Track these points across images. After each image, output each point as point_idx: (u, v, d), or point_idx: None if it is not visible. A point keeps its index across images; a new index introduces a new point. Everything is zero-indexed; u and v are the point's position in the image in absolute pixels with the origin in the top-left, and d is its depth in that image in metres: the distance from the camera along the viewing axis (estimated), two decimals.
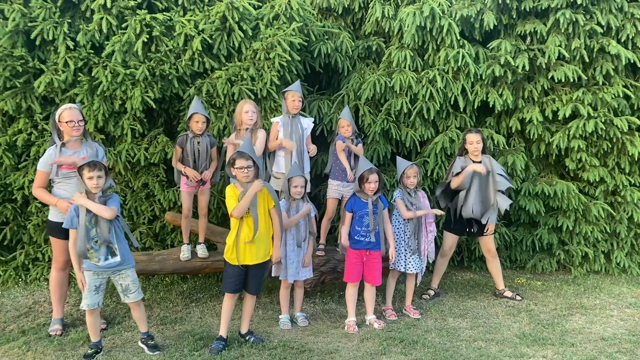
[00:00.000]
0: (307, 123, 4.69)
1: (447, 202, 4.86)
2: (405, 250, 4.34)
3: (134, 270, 3.57)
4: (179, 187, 4.48)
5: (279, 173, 4.55)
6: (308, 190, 4.49)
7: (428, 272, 5.19)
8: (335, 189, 4.68)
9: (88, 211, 3.35)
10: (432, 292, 4.91)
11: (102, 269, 3.42)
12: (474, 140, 4.68)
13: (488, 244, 4.88)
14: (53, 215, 3.86)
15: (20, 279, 5.13)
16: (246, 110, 4.36)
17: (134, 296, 3.54)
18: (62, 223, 3.82)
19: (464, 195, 4.63)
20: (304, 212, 4.08)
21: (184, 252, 4.49)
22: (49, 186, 3.87)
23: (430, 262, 4.63)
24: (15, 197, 4.93)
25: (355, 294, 4.16)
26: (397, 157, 4.50)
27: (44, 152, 3.88)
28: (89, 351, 3.52)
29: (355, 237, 4.07)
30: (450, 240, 4.89)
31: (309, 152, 4.62)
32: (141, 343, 3.66)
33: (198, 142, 4.30)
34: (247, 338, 3.80)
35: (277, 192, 4.66)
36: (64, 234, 3.87)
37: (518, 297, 4.82)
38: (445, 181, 4.79)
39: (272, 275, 4.17)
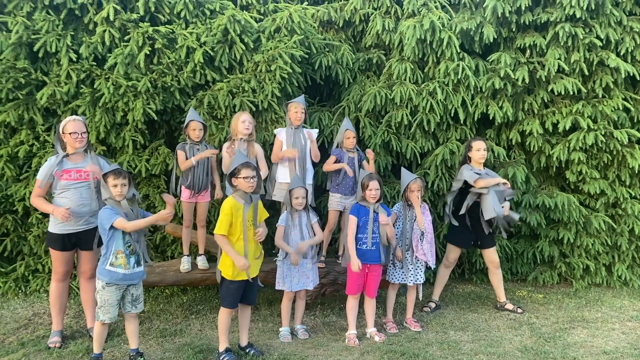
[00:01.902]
0: (311, 132, 4.72)
1: (452, 215, 4.85)
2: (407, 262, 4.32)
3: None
4: (179, 198, 4.48)
5: (283, 183, 4.55)
6: (310, 201, 4.49)
7: (429, 284, 5.17)
8: (337, 202, 4.67)
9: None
10: (433, 305, 4.88)
11: (124, 280, 3.42)
12: (481, 147, 4.70)
13: (491, 255, 4.86)
14: (52, 227, 3.85)
15: (20, 291, 5.11)
16: (243, 120, 4.39)
17: (141, 306, 3.58)
18: (61, 235, 3.83)
19: (482, 199, 4.61)
20: (316, 241, 4.12)
21: (184, 263, 4.48)
22: (50, 197, 3.88)
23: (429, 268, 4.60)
24: (16, 209, 4.94)
25: (356, 306, 4.14)
26: (402, 168, 4.42)
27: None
28: None
29: (357, 246, 4.05)
30: (455, 252, 4.88)
31: (312, 158, 4.64)
32: None
33: (198, 150, 4.33)
34: (247, 350, 3.77)
35: (277, 202, 4.68)
36: (63, 245, 3.88)
37: (519, 310, 4.79)
38: (453, 190, 4.77)
39: (276, 287, 4.15)
